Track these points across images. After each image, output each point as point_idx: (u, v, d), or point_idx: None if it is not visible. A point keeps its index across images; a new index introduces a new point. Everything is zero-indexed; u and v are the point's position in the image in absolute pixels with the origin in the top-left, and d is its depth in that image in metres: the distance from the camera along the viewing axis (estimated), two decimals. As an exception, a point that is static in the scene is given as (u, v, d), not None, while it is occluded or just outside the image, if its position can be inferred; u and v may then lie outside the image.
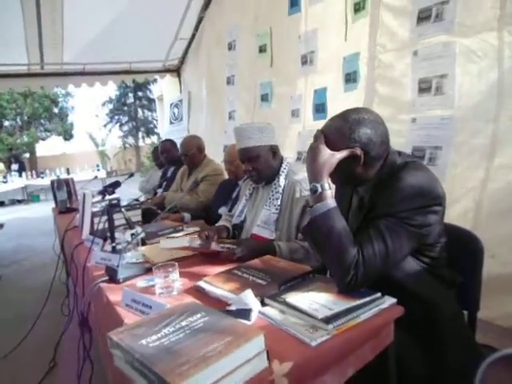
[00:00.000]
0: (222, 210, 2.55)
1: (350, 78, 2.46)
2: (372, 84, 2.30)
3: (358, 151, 1.22)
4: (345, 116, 1.27)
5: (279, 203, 1.86)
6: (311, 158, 1.24)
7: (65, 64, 5.12)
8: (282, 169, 1.92)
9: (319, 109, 2.77)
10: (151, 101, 24.29)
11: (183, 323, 0.92)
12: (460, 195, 1.96)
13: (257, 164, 1.88)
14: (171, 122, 6.32)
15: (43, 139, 20.25)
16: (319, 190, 1.18)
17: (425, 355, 1.19)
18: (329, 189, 1.19)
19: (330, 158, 1.22)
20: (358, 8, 2.39)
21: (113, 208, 1.88)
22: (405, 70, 2.13)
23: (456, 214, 1.90)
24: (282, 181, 1.89)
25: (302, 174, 1.85)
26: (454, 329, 1.21)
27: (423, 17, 1.99)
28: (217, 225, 2.15)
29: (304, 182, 1.80)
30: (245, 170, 1.95)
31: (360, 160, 1.24)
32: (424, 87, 2.02)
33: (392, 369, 1.10)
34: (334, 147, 1.25)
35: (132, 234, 1.79)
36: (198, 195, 3.00)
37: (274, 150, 1.90)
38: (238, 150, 1.95)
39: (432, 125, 1.99)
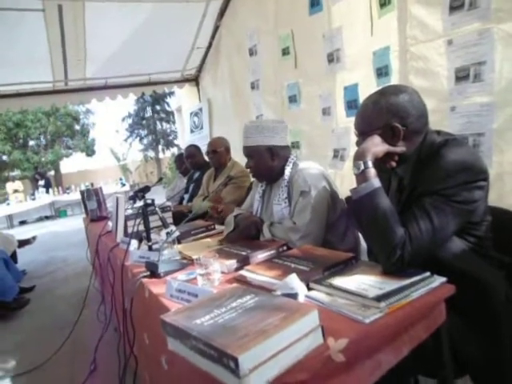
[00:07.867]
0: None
1: (382, 73, 2.42)
2: (405, 77, 2.25)
3: (397, 125, 1.22)
4: (381, 91, 1.29)
5: (286, 195, 1.86)
6: (363, 143, 1.25)
7: (88, 79, 5.26)
8: (286, 164, 1.90)
9: (351, 105, 2.74)
10: (169, 113, 24.74)
11: (234, 304, 0.92)
12: (510, 180, 1.88)
13: (253, 162, 1.92)
14: (192, 131, 6.37)
15: (67, 156, 20.74)
16: (362, 167, 1.17)
17: (478, 337, 1.15)
18: (372, 167, 1.18)
19: (380, 144, 1.22)
20: (383, 3, 2.35)
21: (148, 207, 1.92)
22: (439, 60, 2.08)
23: (510, 200, 1.83)
24: (287, 174, 1.88)
25: (307, 163, 1.88)
26: (510, 310, 1.16)
27: (456, 6, 1.94)
28: None
29: (307, 169, 1.82)
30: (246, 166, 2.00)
31: (400, 135, 1.23)
32: (461, 75, 1.98)
33: (445, 349, 1.07)
34: (372, 122, 1.25)
35: (167, 233, 1.81)
36: (222, 203, 2.94)
37: (272, 151, 1.87)
38: None
39: (472, 112, 1.95)
